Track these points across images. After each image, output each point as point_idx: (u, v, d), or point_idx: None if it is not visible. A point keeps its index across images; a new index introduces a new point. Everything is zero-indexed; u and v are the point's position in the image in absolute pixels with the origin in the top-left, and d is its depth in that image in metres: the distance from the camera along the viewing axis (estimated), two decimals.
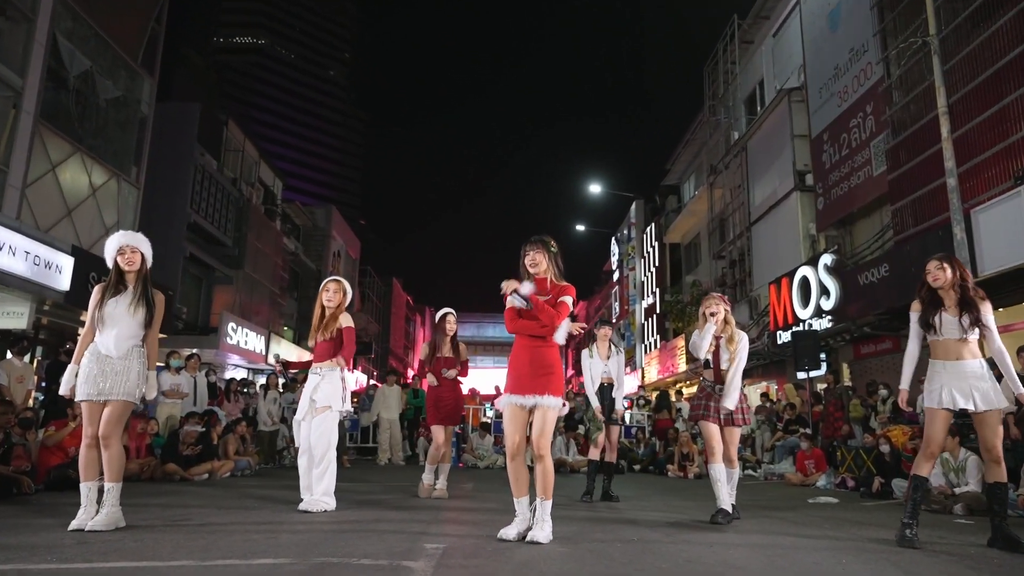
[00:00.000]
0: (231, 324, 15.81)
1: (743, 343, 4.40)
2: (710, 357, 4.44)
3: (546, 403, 3.37)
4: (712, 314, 4.35)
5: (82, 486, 3.52)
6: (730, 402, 4.40)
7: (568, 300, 3.47)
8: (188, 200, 15.10)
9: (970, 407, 3.46)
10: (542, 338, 3.45)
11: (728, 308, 4.45)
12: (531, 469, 3.47)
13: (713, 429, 4.40)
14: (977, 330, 3.51)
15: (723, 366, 4.42)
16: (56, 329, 11.35)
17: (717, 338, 4.39)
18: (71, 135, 11.01)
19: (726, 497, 4.33)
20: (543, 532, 3.27)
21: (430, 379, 5.74)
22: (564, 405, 3.48)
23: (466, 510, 4.79)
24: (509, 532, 3.33)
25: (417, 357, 42.00)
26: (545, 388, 3.38)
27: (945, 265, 3.61)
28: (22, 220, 9.69)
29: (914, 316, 3.69)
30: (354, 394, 11.33)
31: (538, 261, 3.54)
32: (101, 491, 3.52)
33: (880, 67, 11.14)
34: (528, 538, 3.26)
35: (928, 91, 9.38)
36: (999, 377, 3.57)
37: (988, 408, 3.44)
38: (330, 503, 4.37)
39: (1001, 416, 3.50)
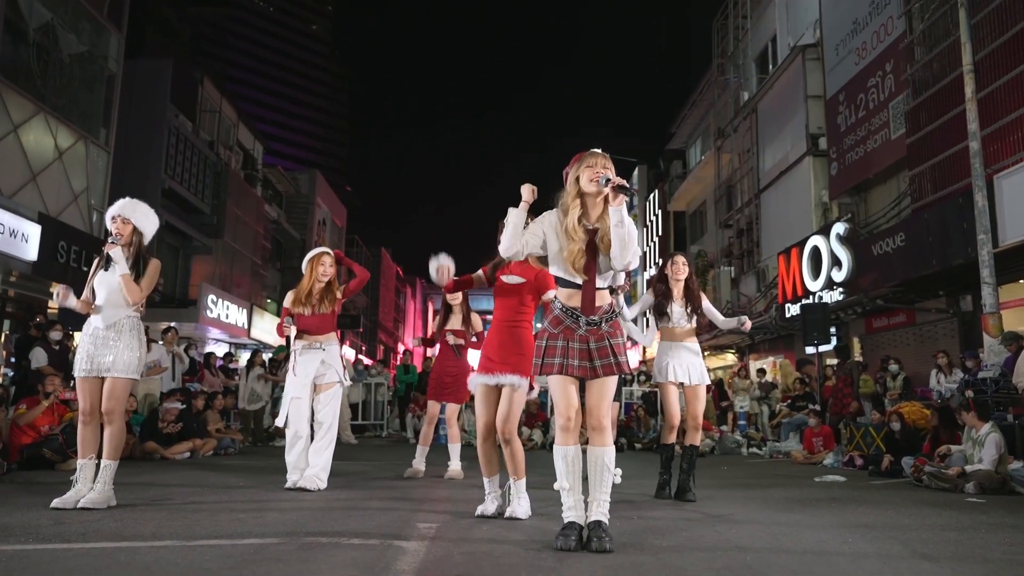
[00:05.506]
0: (211, 296, 15.76)
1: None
2: (577, 262, 2.76)
3: (509, 381, 3.39)
4: (619, 186, 2.71)
5: (78, 462, 3.63)
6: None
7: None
8: (162, 164, 14.89)
9: (686, 380, 4.56)
10: (519, 316, 3.52)
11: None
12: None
13: (568, 389, 2.79)
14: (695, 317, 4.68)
15: (599, 282, 2.79)
16: (24, 301, 11.29)
17: (591, 231, 2.78)
18: (33, 94, 10.79)
19: (582, 502, 2.77)
20: (522, 508, 3.39)
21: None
22: (533, 388, 3.47)
23: (459, 488, 4.86)
24: (488, 508, 3.46)
25: (408, 331, 42.19)
26: (512, 367, 3.40)
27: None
28: None
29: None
30: None
31: None
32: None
33: (902, 21, 10.99)
34: (507, 514, 3.36)
35: (953, 47, 9.27)
36: None
37: (699, 383, 4.58)
38: (324, 481, 4.48)
39: (704, 390, 4.69)
